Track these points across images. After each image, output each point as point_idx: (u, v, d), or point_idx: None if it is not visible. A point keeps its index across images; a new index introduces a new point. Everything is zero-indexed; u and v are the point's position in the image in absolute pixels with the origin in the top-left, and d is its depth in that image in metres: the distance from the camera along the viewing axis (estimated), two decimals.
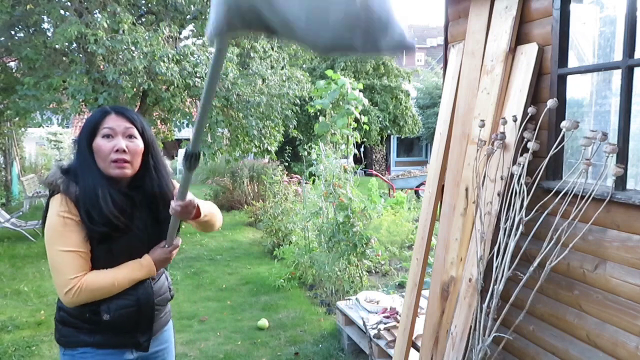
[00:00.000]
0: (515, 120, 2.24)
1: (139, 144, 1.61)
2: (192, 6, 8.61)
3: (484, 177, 2.33)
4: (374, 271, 5.92)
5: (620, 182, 1.92)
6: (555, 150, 2.09)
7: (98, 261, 1.56)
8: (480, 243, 2.27)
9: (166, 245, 1.67)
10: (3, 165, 11.53)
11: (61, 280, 1.49)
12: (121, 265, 1.59)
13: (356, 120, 6.12)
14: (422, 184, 11.30)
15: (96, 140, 1.56)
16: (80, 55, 7.64)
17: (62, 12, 7.44)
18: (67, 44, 7.26)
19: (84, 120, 1.63)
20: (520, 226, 2.12)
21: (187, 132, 13.39)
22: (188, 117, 8.53)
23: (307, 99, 10.24)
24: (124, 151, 1.55)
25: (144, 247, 1.65)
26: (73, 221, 1.51)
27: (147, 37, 7.37)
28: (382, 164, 20.64)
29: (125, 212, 1.56)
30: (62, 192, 1.52)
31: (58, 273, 1.50)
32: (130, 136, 1.59)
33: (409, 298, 2.97)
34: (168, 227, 1.63)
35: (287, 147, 12.82)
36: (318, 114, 6.77)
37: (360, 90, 6.17)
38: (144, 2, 8.78)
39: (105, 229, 1.52)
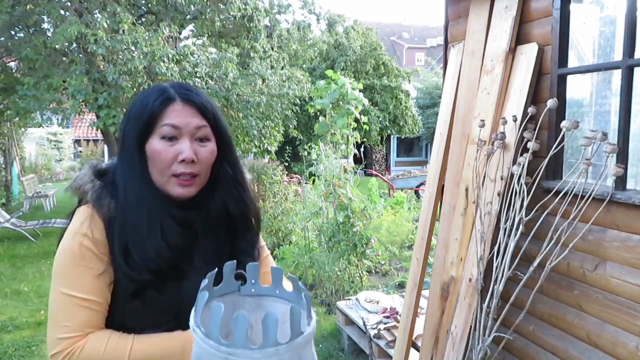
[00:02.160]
0: (515, 120, 2.24)
1: (212, 149, 1.08)
2: (192, 6, 8.63)
3: (484, 177, 2.33)
4: (374, 271, 5.92)
5: (620, 182, 1.92)
6: (555, 150, 2.09)
7: (127, 317, 1.05)
8: (480, 243, 2.27)
9: None
10: (3, 165, 11.54)
11: (51, 335, 1.01)
12: (147, 335, 1.03)
13: (356, 120, 6.12)
14: (422, 184, 11.30)
15: (152, 142, 1.04)
16: (80, 55, 7.66)
17: (62, 12, 7.46)
18: (67, 44, 7.29)
19: (132, 105, 1.10)
20: (520, 226, 2.12)
21: None
22: None
23: (307, 99, 10.26)
24: (193, 161, 1.04)
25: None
26: (93, 254, 1.01)
27: (147, 37, 7.38)
28: (382, 164, 20.65)
29: (183, 251, 1.05)
30: (91, 203, 1.04)
31: (51, 323, 1.02)
32: (202, 139, 1.06)
33: (409, 298, 2.97)
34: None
35: (287, 147, 12.83)
36: (318, 114, 6.78)
37: (360, 90, 6.18)
38: (144, 2, 8.81)
39: (148, 276, 1.01)
